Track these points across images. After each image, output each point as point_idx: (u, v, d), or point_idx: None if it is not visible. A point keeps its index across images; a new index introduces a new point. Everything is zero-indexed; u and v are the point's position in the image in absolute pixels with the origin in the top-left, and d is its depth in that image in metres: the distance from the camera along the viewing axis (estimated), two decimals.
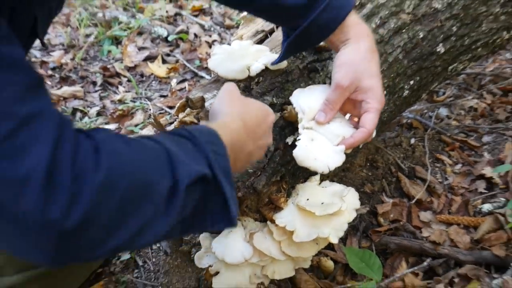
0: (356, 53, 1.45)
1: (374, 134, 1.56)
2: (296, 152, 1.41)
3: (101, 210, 0.86)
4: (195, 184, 0.97)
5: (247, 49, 1.74)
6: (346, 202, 1.58)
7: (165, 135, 1.05)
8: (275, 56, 1.65)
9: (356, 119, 1.49)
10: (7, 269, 1.09)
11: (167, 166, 0.95)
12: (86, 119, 2.95)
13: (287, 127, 1.60)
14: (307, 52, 1.69)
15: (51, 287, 1.15)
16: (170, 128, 1.77)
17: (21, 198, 0.81)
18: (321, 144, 1.41)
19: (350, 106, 1.48)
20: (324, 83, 1.67)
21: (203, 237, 1.69)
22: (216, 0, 1.72)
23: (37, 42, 3.74)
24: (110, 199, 0.87)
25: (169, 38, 3.61)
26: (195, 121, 1.60)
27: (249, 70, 1.63)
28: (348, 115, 1.51)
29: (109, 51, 3.54)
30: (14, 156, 0.81)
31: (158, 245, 2.00)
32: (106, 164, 0.87)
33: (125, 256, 1.97)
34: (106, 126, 2.85)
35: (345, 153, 1.45)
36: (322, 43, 1.58)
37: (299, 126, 1.46)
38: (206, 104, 1.56)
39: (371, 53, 1.47)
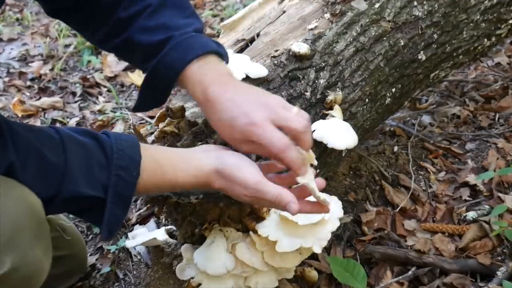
0: (223, 118, 1.27)
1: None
2: None
3: None
4: (79, 199, 1.13)
5: None
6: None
7: (89, 145, 1.16)
8: (256, 64, 1.65)
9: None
10: None
11: (58, 179, 1.10)
12: None
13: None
14: (288, 60, 1.69)
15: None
16: (150, 139, 1.76)
17: None
18: None
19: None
20: (306, 91, 1.67)
21: (185, 249, 1.68)
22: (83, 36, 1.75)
23: (14, 53, 3.67)
24: None
25: None
26: (176, 130, 1.59)
27: None
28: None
29: (89, 61, 3.53)
30: None
31: (139, 257, 1.98)
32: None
33: (105, 269, 1.95)
34: None
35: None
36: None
37: None
38: (187, 113, 1.55)
39: (236, 96, 1.29)
